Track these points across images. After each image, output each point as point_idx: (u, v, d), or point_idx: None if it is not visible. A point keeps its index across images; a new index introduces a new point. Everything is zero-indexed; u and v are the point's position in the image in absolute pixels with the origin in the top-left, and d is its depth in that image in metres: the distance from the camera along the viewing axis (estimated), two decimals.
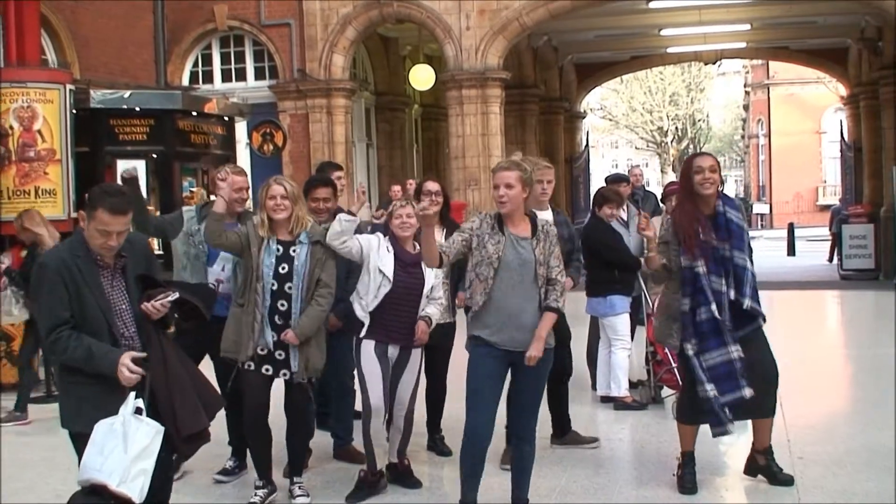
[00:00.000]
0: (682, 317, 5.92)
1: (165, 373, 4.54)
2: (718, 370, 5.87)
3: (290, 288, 5.94)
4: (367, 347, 6.12)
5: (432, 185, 7.02)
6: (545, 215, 6.91)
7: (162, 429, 4.42)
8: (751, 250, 6.05)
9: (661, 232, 6.14)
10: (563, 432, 7.26)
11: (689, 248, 5.87)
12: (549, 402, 7.15)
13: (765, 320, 6.06)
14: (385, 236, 6.20)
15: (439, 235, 6.84)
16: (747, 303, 5.88)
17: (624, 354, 8.41)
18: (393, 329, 6.14)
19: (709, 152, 6.51)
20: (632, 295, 8.63)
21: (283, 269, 5.93)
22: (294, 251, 5.96)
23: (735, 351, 5.86)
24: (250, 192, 6.73)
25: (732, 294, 5.87)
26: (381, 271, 6.05)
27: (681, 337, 5.94)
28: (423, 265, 6.13)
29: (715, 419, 5.92)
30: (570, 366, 7.44)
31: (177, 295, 4.62)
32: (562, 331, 7.17)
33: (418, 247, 6.18)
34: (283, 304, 5.93)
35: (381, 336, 6.12)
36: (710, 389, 5.85)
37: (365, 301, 6.10)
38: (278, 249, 5.94)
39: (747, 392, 5.87)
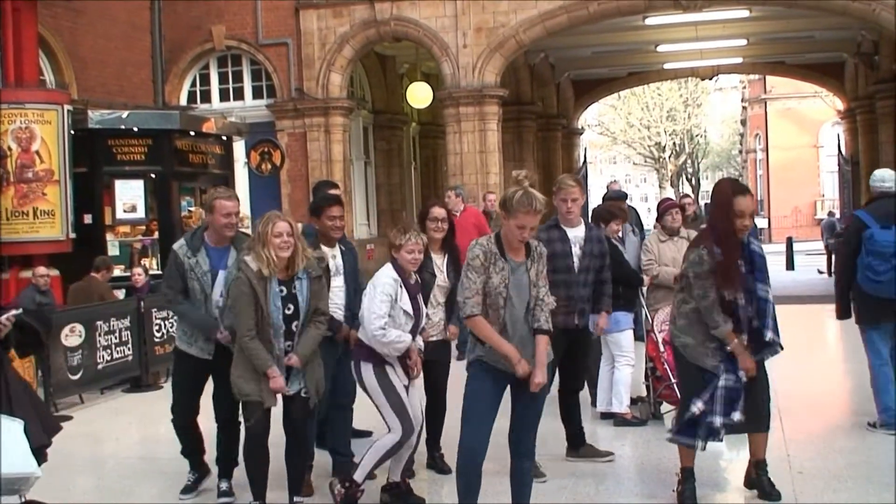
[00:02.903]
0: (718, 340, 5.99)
1: (6, 389, 4.81)
2: (731, 393, 5.93)
3: (295, 325, 5.97)
4: (393, 374, 6.18)
5: (438, 212, 7.01)
6: (577, 231, 6.94)
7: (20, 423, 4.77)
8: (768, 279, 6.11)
9: (696, 266, 5.97)
10: (577, 445, 7.28)
11: (732, 283, 5.90)
12: (562, 416, 7.25)
13: (782, 348, 6.12)
14: (395, 271, 6.20)
15: (441, 259, 6.87)
16: (769, 335, 5.97)
17: (628, 370, 8.39)
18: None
19: (746, 187, 6.19)
20: (633, 311, 8.62)
21: (290, 309, 5.94)
22: (295, 288, 5.96)
23: (743, 377, 5.95)
24: (239, 215, 6.71)
25: (755, 323, 5.97)
26: (405, 312, 6.11)
27: (718, 357, 5.98)
28: (419, 298, 6.24)
29: (690, 433, 5.98)
30: (583, 381, 7.56)
31: (20, 311, 4.93)
32: (582, 348, 7.21)
33: (415, 277, 6.26)
34: (288, 346, 5.98)
35: (390, 360, 6.18)
36: (701, 408, 5.91)
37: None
38: (282, 290, 5.92)
39: (737, 416, 5.93)
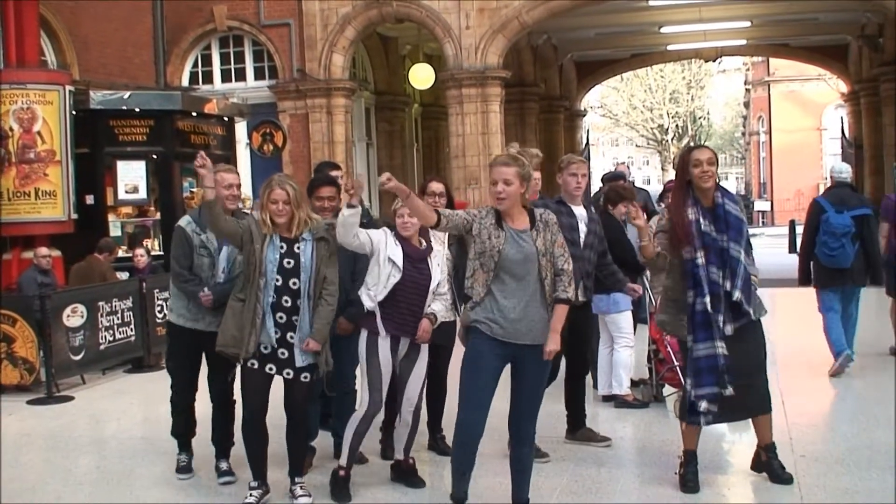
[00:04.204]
0: (688, 308, 5.94)
1: None
2: (700, 363, 5.90)
3: (294, 284, 5.90)
4: (384, 345, 6.12)
5: (436, 186, 7.01)
6: (580, 210, 6.94)
7: None
8: (750, 245, 6.07)
9: (661, 223, 6.19)
10: (576, 428, 7.28)
11: (689, 240, 5.89)
12: (567, 399, 7.27)
13: (761, 313, 6.08)
14: (392, 231, 6.18)
15: (440, 239, 6.83)
16: (737, 295, 5.89)
17: (628, 352, 8.38)
18: (403, 323, 6.12)
19: (706, 145, 6.46)
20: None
21: (289, 263, 5.90)
22: (298, 248, 5.94)
23: (720, 347, 5.87)
24: (241, 189, 6.71)
25: (728, 286, 5.90)
26: (391, 261, 6.03)
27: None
28: (429, 261, 6.14)
29: (694, 411, 5.95)
30: (589, 364, 7.63)
31: None
32: (584, 328, 7.18)
33: (425, 243, 6.18)
34: (286, 301, 5.90)
35: (393, 330, 6.11)
36: (691, 384, 5.92)
37: (374, 292, 6.07)
38: (282, 246, 5.91)
39: (728, 391, 5.87)
